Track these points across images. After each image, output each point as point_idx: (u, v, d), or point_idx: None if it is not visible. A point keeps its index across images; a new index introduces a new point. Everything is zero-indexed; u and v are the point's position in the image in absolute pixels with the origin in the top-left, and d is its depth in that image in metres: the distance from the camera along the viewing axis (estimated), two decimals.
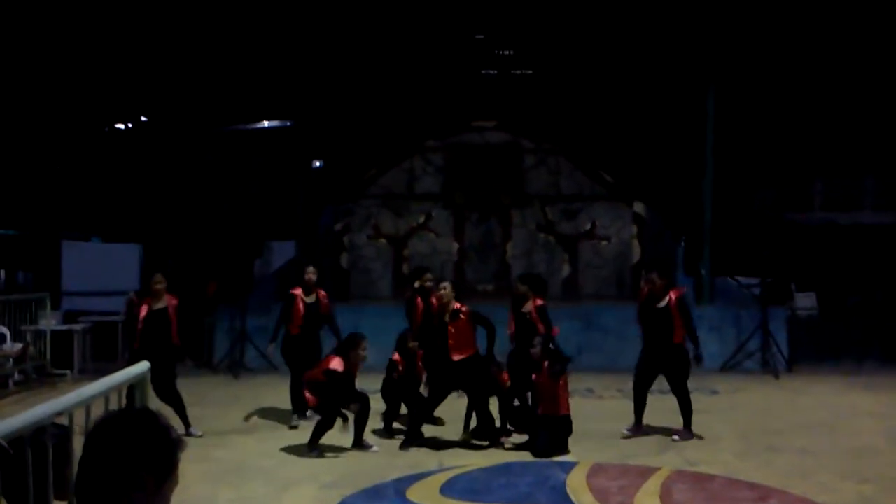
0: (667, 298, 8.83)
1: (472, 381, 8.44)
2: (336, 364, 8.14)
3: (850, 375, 13.49)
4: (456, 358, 8.34)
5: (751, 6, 17.20)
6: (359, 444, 8.38)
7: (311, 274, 9.80)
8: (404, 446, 8.38)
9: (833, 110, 22.87)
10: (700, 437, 8.85)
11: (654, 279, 8.92)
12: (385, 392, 9.45)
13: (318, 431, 8.22)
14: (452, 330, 8.35)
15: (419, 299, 9.58)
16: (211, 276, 17.04)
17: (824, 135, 23.70)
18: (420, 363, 9.25)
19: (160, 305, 8.87)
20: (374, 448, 8.37)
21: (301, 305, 9.64)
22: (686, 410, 8.93)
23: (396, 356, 9.39)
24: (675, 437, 8.79)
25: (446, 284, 8.67)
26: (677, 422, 9.12)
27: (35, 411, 2.96)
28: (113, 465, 1.91)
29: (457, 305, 8.46)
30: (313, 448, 8.16)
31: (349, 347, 8.29)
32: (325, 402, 8.21)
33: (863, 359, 14.89)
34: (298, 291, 9.75)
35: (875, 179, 26.06)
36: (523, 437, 8.56)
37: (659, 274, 8.99)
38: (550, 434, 8.18)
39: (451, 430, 8.92)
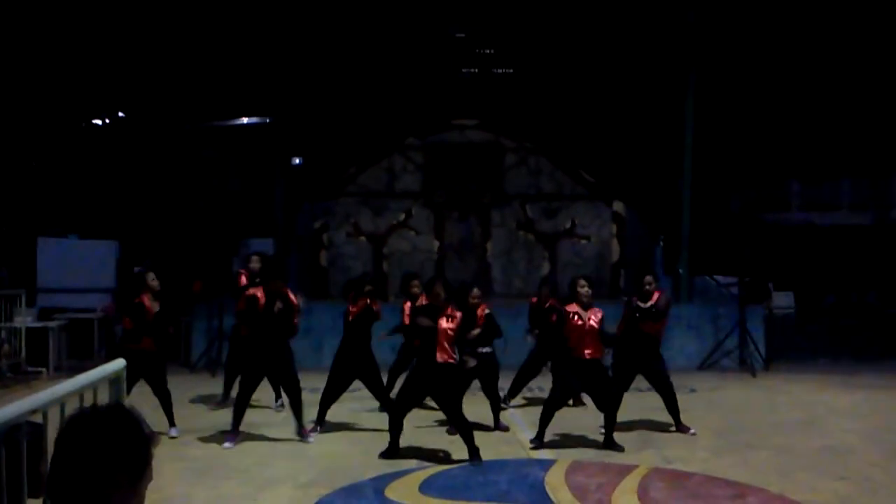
0: (655, 298, 8.96)
1: (444, 387, 7.92)
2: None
3: (827, 374, 13.62)
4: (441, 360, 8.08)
5: (729, 9, 17.31)
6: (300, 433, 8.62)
7: (254, 262, 9.81)
8: (384, 456, 7.98)
9: (810, 112, 23.07)
10: (672, 434, 8.92)
11: (650, 281, 9.10)
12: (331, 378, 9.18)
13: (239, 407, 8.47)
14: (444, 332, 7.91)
15: (407, 304, 9.44)
16: (194, 274, 16.94)
17: (801, 136, 23.90)
18: (376, 305, 9.11)
19: (156, 304, 8.89)
20: (311, 439, 8.56)
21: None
22: (675, 406, 9.06)
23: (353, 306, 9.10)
24: (693, 432, 8.96)
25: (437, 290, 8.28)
26: (655, 418, 9.18)
27: (9, 409, 2.92)
28: (87, 465, 1.88)
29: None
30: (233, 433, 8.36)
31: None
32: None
33: (839, 357, 15.05)
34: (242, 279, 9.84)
35: (851, 181, 26.32)
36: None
37: (654, 277, 9.26)
38: (604, 376, 8.30)
39: (430, 427, 8.91)
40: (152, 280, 8.84)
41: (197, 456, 7.97)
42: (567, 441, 8.53)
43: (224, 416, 9.93)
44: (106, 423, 1.94)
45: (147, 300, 8.75)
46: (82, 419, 1.96)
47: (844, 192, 26.41)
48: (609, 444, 8.24)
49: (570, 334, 8.21)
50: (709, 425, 9.42)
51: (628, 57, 19.40)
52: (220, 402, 10.37)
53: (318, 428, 8.98)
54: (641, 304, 8.96)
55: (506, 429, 9.18)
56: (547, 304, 9.70)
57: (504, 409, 9.97)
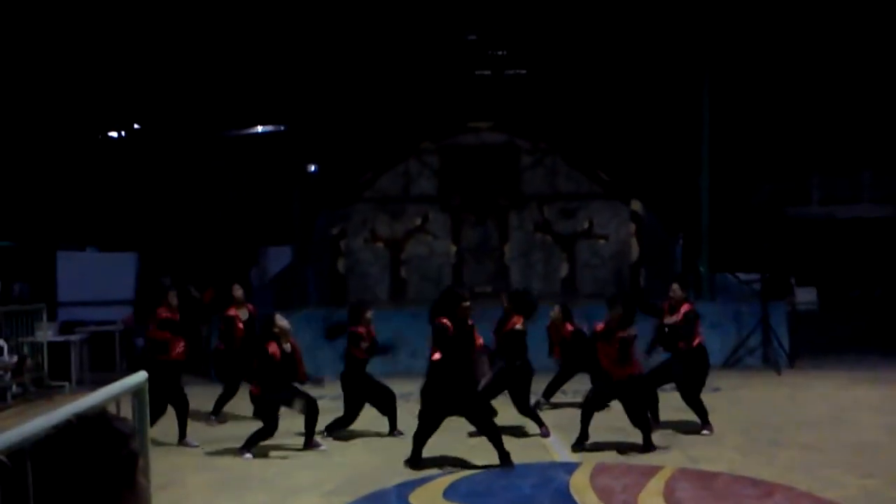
0: (681, 312, 9.03)
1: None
2: (273, 349, 8.23)
3: (852, 370, 13.45)
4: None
5: (745, 2, 17.18)
6: (309, 444, 8.56)
7: (237, 291, 10.41)
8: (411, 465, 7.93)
9: (829, 104, 22.86)
10: (697, 434, 8.85)
11: (676, 289, 9.19)
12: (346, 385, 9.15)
13: (258, 437, 8.33)
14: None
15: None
16: (208, 283, 16.96)
17: (821, 129, 23.70)
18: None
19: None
20: (323, 447, 8.55)
21: (240, 324, 10.24)
22: (702, 407, 9.07)
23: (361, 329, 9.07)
24: (706, 432, 8.93)
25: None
26: (679, 418, 9.13)
27: (33, 424, 2.91)
28: (92, 487, 1.86)
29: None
30: (248, 449, 8.31)
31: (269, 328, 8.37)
32: (267, 393, 8.26)
33: (864, 352, 14.87)
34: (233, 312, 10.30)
35: (872, 173, 26.05)
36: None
37: (681, 284, 9.38)
38: None
39: (453, 434, 8.87)
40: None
41: (220, 466, 7.98)
42: (591, 443, 8.46)
43: (245, 427, 9.94)
44: (97, 446, 1.90)
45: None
46: (71, 447, 1.91)
47: (865, 184, 26.16)
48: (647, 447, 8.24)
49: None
50: (734, 424, 9.34)
51: (643, 53, 19.29)
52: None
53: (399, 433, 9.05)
54: (668, 322, 9.01)
55: (547, 434, 9.07)
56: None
57: (542, 408, 9.98)
